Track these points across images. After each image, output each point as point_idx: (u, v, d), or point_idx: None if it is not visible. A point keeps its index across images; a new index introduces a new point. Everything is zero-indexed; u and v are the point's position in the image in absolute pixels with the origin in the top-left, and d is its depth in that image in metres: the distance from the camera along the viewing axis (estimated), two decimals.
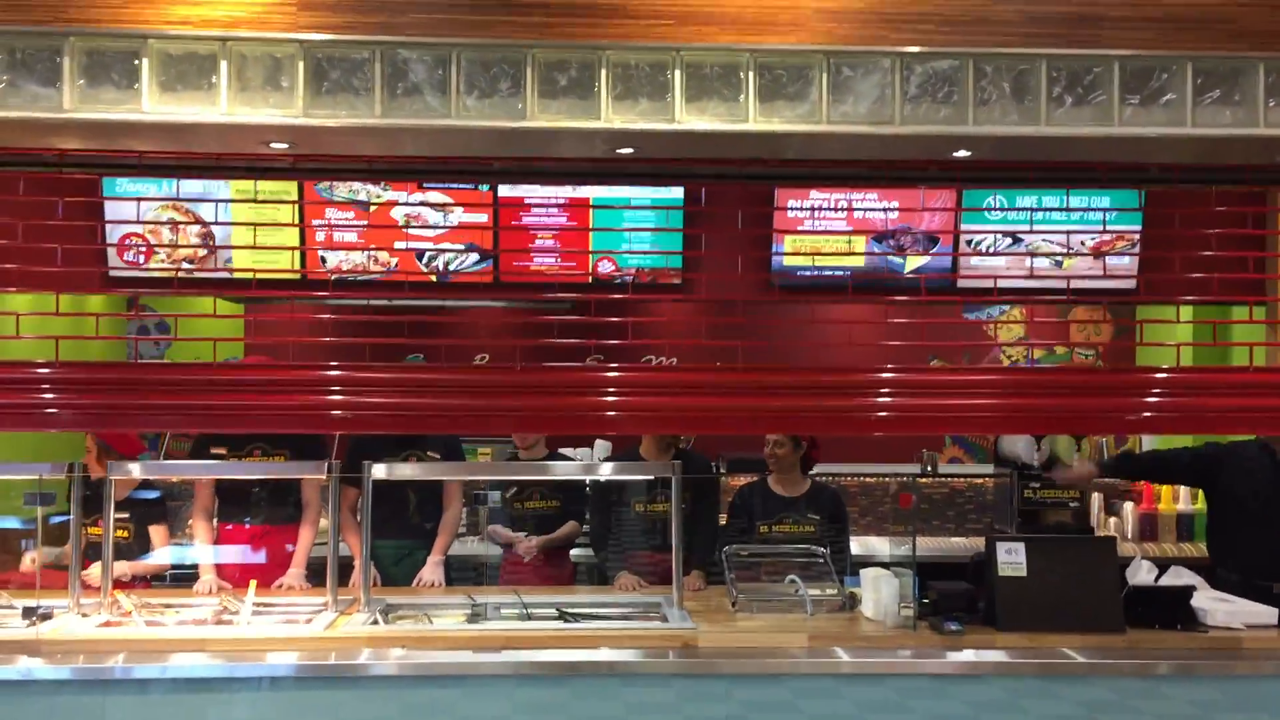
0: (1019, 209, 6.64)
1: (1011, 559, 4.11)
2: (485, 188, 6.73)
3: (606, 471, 5.09)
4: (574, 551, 5.49)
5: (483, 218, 6.87)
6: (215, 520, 5.14)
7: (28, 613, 4.03)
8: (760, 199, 6.66)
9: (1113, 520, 6.66)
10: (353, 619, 4.15)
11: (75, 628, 4.01)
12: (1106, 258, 6.80)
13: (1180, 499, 6.59)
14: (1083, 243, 6.82)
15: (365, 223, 6.83)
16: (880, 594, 4.18)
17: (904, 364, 4.45)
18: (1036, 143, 4.19)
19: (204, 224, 6.74)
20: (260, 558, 5.04)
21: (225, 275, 6.68)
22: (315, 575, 4.87)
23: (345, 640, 3.92)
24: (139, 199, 6.17)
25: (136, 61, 3.96)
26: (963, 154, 4.42)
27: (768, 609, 4.36)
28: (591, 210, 6.83)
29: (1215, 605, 4.17)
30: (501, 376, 4.40)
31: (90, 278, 6.28)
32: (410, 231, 6.83)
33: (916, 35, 4.08)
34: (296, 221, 6.61)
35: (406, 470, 4.98)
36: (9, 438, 6.26)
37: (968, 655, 3.90)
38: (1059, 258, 6.68)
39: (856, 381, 4.37)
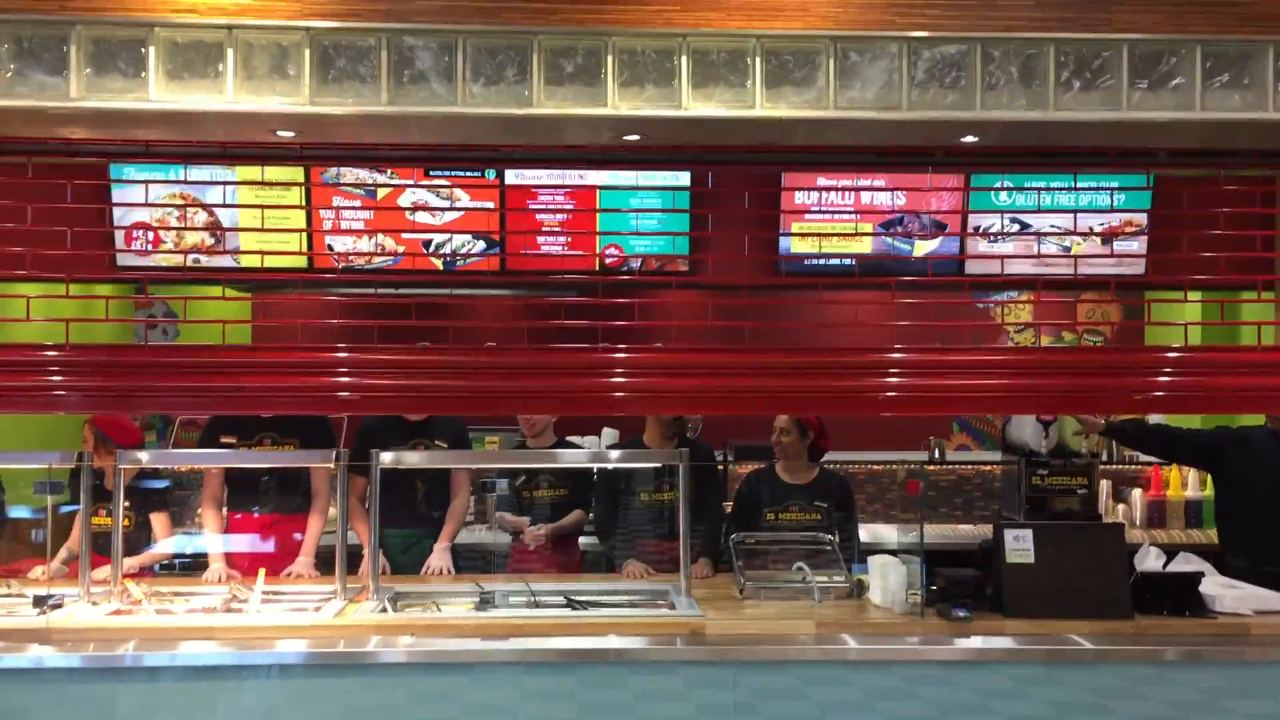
0: (1027, 187, 6.59)
1: (1019, 546, 4.11)
2: (492, 174, 6.72)
3: (613, 459, 5.09)
4: (581, 539, 5.50)
5: (489, 205, 6.86)
6: (224, 509, 5.16)
7: (39, 601, 4.06)
8: (767, 186, 6.64)
9: (1121, 507, 6.65)
10: (361, 607, 4.16)
11: (85, 616, 4.02)
12: (1115, 242, 6.78)
13: (1189, 485, 6.58)
14: (1090, 228, 6.80)
15: (371, 212, 6.83)
16: (888, 581, 4.18)
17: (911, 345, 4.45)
18: (1044, 128, 4.18)
19: (211, 213, 6.74)
20: (269, 546, 5.05)
21: (233, 264, 6.68)
22: (324, 564, 4.89)
23: (354, 628, 3.93)
24: (146, 184, 6.16)
25: (143, 50, 3.96)
26: (970, 139, 4.40)
27: (775, 596, 4.36)
28: (598, 198, 6.81)
29: (1224, 591, 4.16)
30: (508, 358, 4.40)
31: (98, 267, 6.29)
32: (416, 219, 6.82)
33: (924, 20, 4.07)
34: (303, 208, 6.61)
35: (414, 459, 4.99)
36: (13, 428, 6.29)
37: (975, 642, 3.90)
38: (1067, 244, 6.65)
39: (864, 362, 4.36)
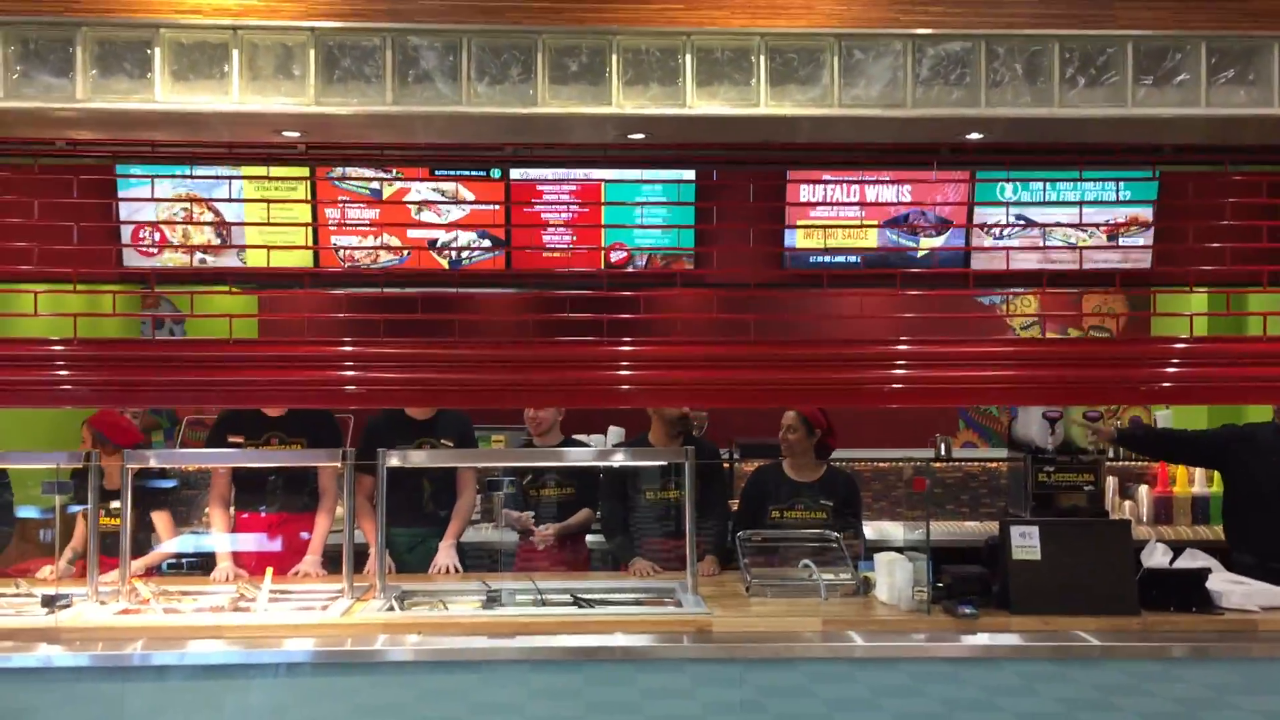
0: (1032, 177, 6.56)
1: (1025, 542, 4.11)
2: (497, 174, 6.72)
3: (619, 458, 5.09)
4: (589, 538, 5.50)
5: (494, 205, 6.85)
6: (232, 508, 5.17)
7: (47, 601, 4.07)
8: (772, 184, 6.64)
9: (1127, 504, 6.64)
10: (368, 605, 4.16)
11: (94, 615, 4.04)
12: (1120, 239, 6.75)
13: (1195, 482, 6.57)
14: (1097, 226, 6.78)
15: (376, 211, 6.82)
16: (894, 578, 4.18)
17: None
18: (1049, 124, 4.17)
19: (217, 212, 6.74)
20: (276, 545, 5.06)
21: (239, 265, 6.68)
22: (331, 562, 4.90)
23: (361, 626, 3.94)
24: (152, 179, 6.16)
25: (148, 51, 3.97)
26: (975, 136, 4.40)
27: (781, 594, 4.37)
28: (603, 194, 6.80)
29: (1230, 587, 4.16)
30: (514, 351, 4.41)
31: (105, 267, 6.30)
32: (422, 219, 6.82)
33: (928, 17, 4.07)
34: (309, 210, 6.61)
35: (421, 458, 4.99)
36: (17, 427, 6.30)
37: (982, 639, 3.90)
38: (1072, 239, 6.63)
39: (869, 354, 4.36)
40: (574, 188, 6.80)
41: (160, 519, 5.07)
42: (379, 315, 4.46)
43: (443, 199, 6.67)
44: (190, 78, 4.00)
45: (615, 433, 6.48)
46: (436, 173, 6.70)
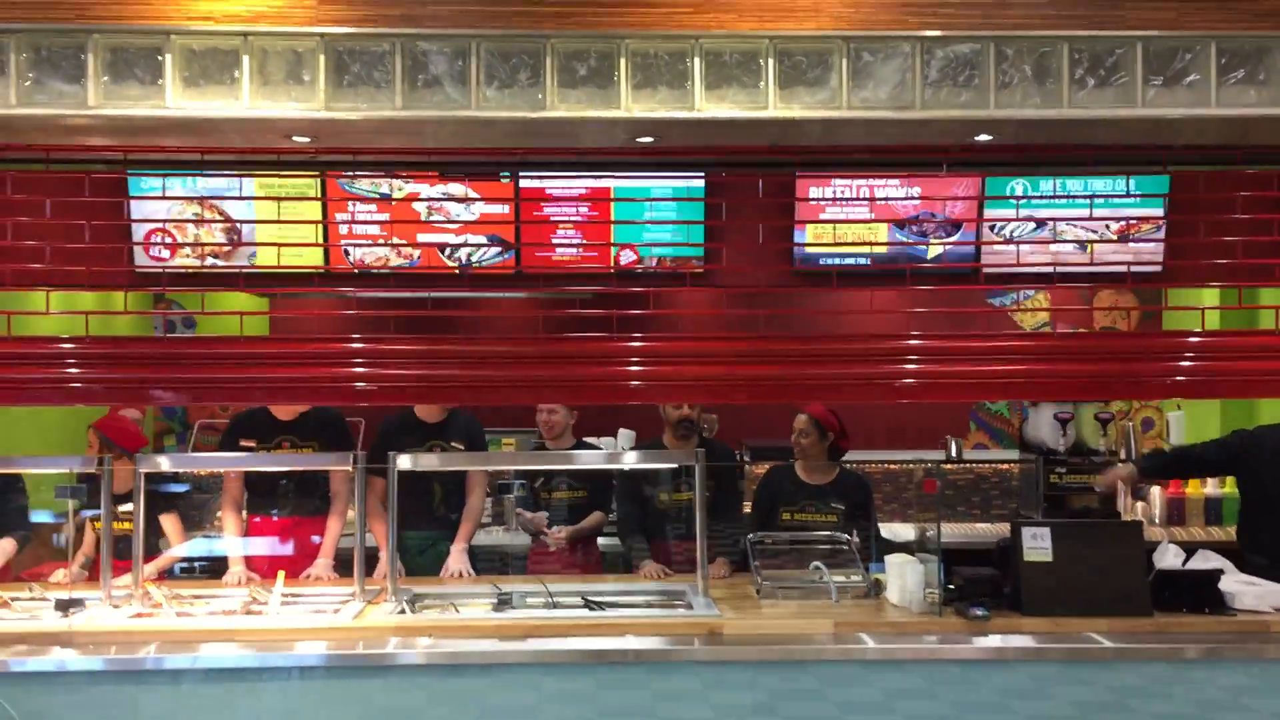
0: (1041, 173, 6.55)
1: (1037, 544, 4.09)
2: (507, 178, 6.74)
3: (630, 460, 5.09)
4: (601, 540, 5.51)
5: (504, 209, 6.87)
6: (244, 512, 5.19)
7: (61, 605, 4.09)
8: (782, 187, 6.64)
9: (1140, 505, 6.62)
10: (380, 608, 4.17)
11: (107, 619, 4.05)
12: (1131, 240, 6.74)
13: (1208, 483, 6.54)
14: (1107, 226, 6.77)
15: (387, 216, 6.85)
16: (905, 580, 4.17)
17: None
18: (1059, 126, 4.17)
19: (228, 218, 6.77)
20: (288, 549, 5.08)
21: (250, 269, 6.71)
22: (342, 566, 4.91)
23: (373, 630, 3.95)
24: (164, 177, 6.19)
25: (160, 57, 3.99)
26: (984, 138, 4.39)
27: (792, 596, 4.36)
28: (612, 201, 6.82)
29: (1243, 589, 4.15)
30: (523, 347, 4.41)
31: (117, 274, 6.34)
32: (432, 224, 6.84)
33: (937, 19, 4.06)
34: (320, 214, 6.64)
35: (432, 461, 5.00)
36: (31, 431, 6.33)
37: (994, 641, 3.89)
38: (1083, 242, 6.62)
39: (880, 349, 4.35)
40: (583, 192, 6.82)
41: (169, 522, 5.09)
42: (388, 312, 4.48)
43: (453, 203, 6.69)
44: (201, 84, 4.02)
45: (625, 435, 6.48)
46: (446, 177, 6.72)
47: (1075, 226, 6.46)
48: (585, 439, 5.62)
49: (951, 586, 4.14)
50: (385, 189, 6.81)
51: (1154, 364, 4.36)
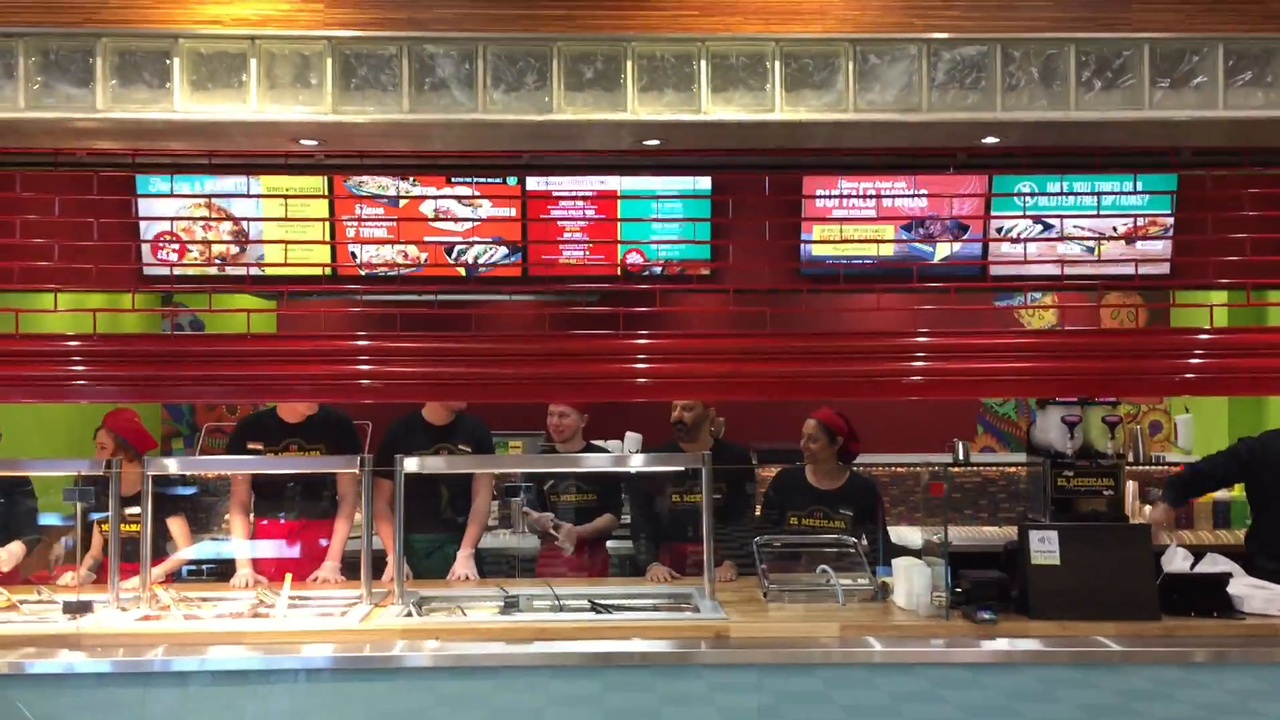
0: (1048, 173, 6.52)
1: (1045, 547, 4.09)
2: (513, 181, 6.73)
3: (637, 462, 5.09)
4: (609, 543, 5.51)
5: (510, 211, 6.87)
6: (251, 515, 5.20)
7: (68, 607, 4.10)
8: (788, 188, 6.63)
9: (1147, 508, 6.60)
10: (387, 611, 4.18)
11: (115, 622, 4.07)
12: (1139, 243, 6.72)
13: None
14: (1114, 228, 6.75)
15: (395, 219, 6.85)
16: (912, 583, 4.17)
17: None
18: (1066, 128, 4.15)
19: (235, 220, 6.78)
20: (295, 551, 5.10)
21: (258, 271, 6.72)
22: (349, 568, 4.92)
23: (380, 632, 3.96)
24: (172, 177, 6.18)
25: (168, 61, 4.00)
26: (991, 140, 4.39)
27: (799, 599, 4.36)
28: (619, 203, 6.81)
29: (1252, 592, 4.14)
30: (530, 344, 4.42)
31: (125, 276, 6.35)
32: (439, 226, 6.84)
33: (943, 21, 4.05)
34: (327, 215, 6.64)
35: (439, 464, 5.01)
36: (37, 432, 6.34)
37: (1001, 644, 3.88)
38: (1091, 244, 6.61)
39: (887, 346, 4.35)
40: (590, 195, 6.81)
41: (175, 525, 5.11)
42: (395, 310, 4.48)
43: (460, 206, 6.70)
44: (209, 87, 4.02)
45: (632, 438, 6.49)
46: (453, 180, 6.72)
47: (1080, 228, 6.45)
48: (593, 442, 5.62)
49: (959, 590, 4.13)
50: (393, 191, 6.81)
51: (1163, 361, 4.35)
